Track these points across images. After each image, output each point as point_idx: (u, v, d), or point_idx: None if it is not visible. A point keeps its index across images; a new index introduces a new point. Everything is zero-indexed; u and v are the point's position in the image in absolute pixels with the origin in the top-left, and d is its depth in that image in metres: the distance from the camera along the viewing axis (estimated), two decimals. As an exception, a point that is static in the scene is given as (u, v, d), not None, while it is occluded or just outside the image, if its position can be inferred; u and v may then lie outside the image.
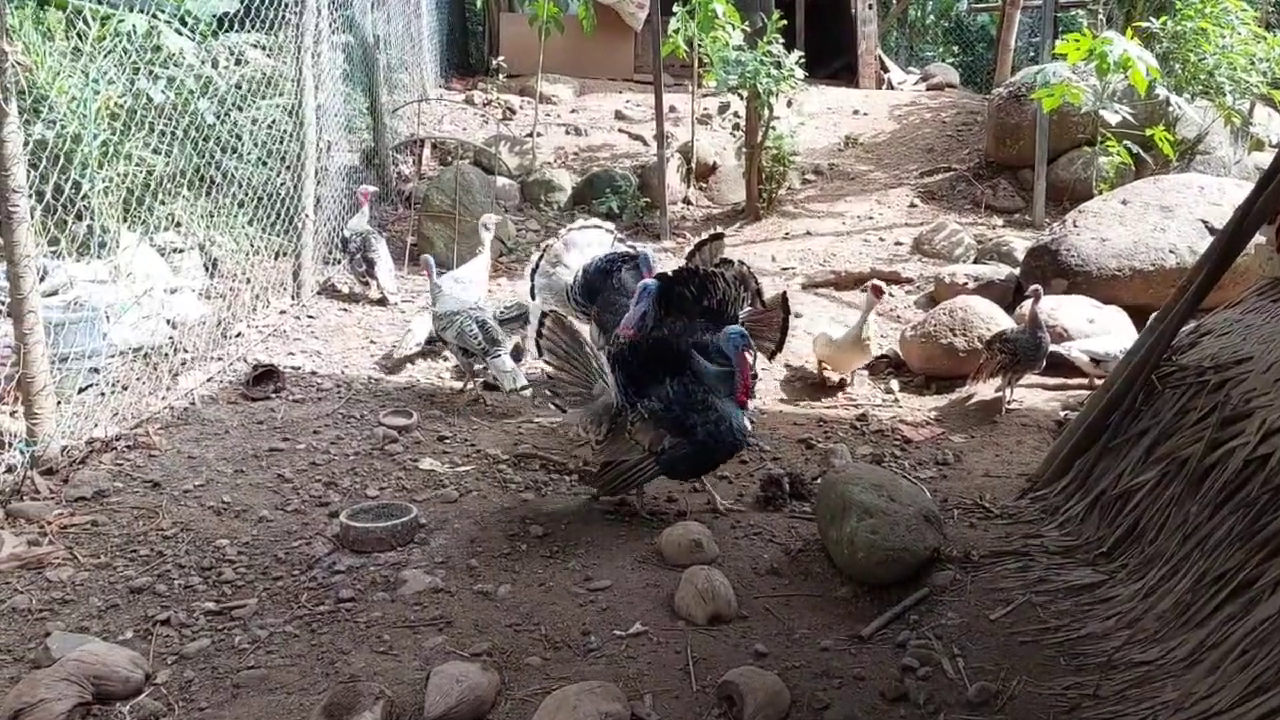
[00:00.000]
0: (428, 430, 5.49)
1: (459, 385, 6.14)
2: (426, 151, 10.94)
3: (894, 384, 6.26)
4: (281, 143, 7.51)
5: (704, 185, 10.54)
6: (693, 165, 10.36)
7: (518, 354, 6.48)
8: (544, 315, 4.39)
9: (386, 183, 9.92)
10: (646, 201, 9.84)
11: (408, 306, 7.88)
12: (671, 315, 4.86)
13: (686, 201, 10.33)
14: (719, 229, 6.49)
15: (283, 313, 7.39)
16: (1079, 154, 9.12)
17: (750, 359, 4.51)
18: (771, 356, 5.11)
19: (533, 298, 5.99)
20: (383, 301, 7.83)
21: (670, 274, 5.08)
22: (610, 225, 6.23)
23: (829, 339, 6.06)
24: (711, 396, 4.36)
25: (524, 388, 5.76)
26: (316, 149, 7.83)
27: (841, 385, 6.16)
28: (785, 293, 5.18)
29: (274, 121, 7.53)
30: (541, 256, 5.98)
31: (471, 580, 3.96)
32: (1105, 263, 6.79)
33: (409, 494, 4.70)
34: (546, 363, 4.46)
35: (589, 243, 5.92)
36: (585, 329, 5.54)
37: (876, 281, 6.30)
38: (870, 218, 9.34)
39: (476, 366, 5.91)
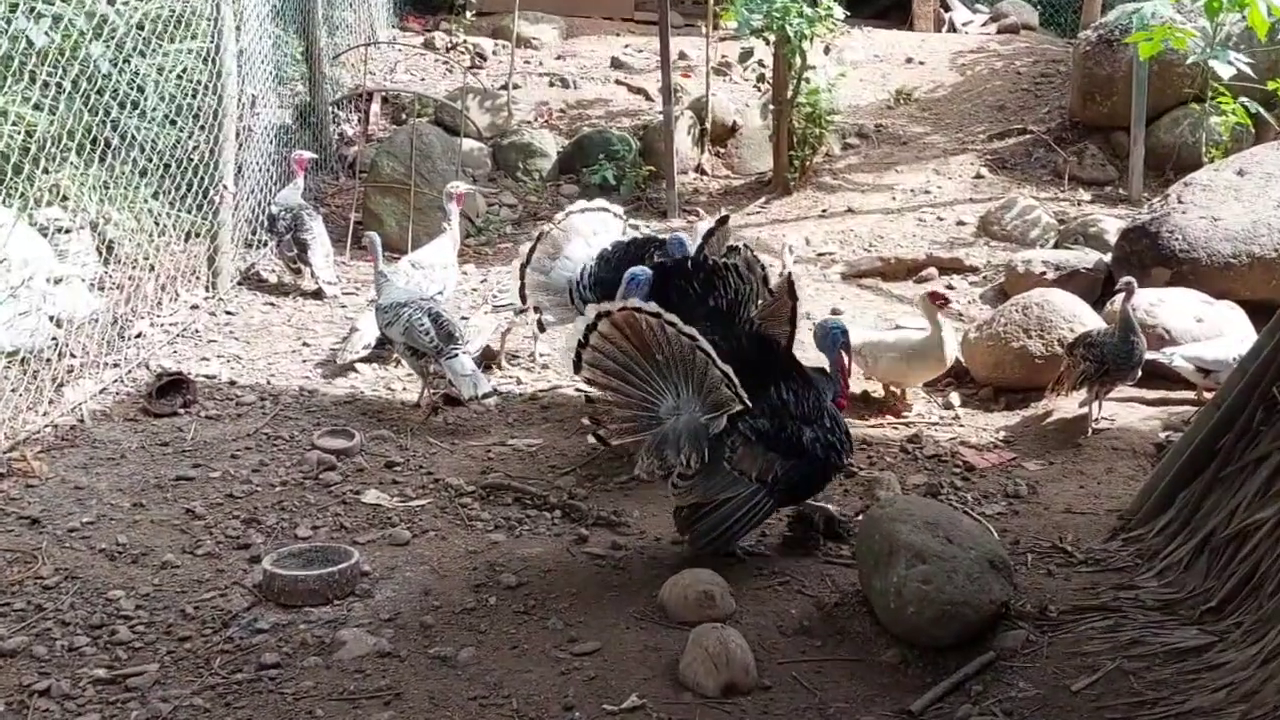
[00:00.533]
0: (373, 454, 5.48)
1: (414, 398, 6.16)
2: (376, 107, 10.97)
3: (954, 397, 6.26)
4: (195, 96, 7.54)
5: (721, 150, 10.56)
6: (707, 126, 10.39)
7: (489, 356, 6.50)
8: (601, 315, 4.25)
9: (325, 146, 9.96)
10: (650, 171, 9.87)
11: (351, 300, 7.90)
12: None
13: (700, 171, 10.35)
14: (724, 212, 6.44)
15: (194, 308, 7.41)
16: (1185, 113, 9.15)
17: (847, 360, 4.57)
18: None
19: (522, 299, 5.98)
20: (319, 294, 7.86)
21: (668, 262, 5.10)
22: (619, 209, 6.25)
23: (891, 349, 5.97)
24: (825, 400, 4.41)
25: (487, 395, 5.77)
26: (238, 104, 7.88)
27: (888, 399, 6.16)
28: (791, 275, 5.20)
29: (185, 70, 7.57)
30: (534, 247, 5.93)
31: (426, 642, 3.96)
32: (1217, 248, 6.81)
33: (349, 534, 4.71)
34: (588, 381, 4.34)
35: (594, 230, 5.91)
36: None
37: (936, 288, 6.30)
38: (926, 191, 9.36)
39: (431, 368, 5.93)
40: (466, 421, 5.96)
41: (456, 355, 5.83)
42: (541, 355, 6.81)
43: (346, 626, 4.01)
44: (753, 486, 4.32)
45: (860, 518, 4.61)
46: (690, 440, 4.27)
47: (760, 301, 5.01)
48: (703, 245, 5.33)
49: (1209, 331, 6.16)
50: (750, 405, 4.25)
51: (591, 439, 4.44)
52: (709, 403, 4.28)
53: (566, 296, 5.90)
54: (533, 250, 5.93)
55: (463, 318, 7.41)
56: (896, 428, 5.90)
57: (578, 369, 4.34)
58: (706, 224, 6.57)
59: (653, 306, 4.32)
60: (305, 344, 7.05)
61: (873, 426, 5.92)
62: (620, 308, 4.29)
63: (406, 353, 6.00)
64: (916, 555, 3.84)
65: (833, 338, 4.53)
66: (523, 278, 5.96)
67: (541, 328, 6.01)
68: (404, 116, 10.64)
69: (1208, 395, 5.36)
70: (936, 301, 5.98)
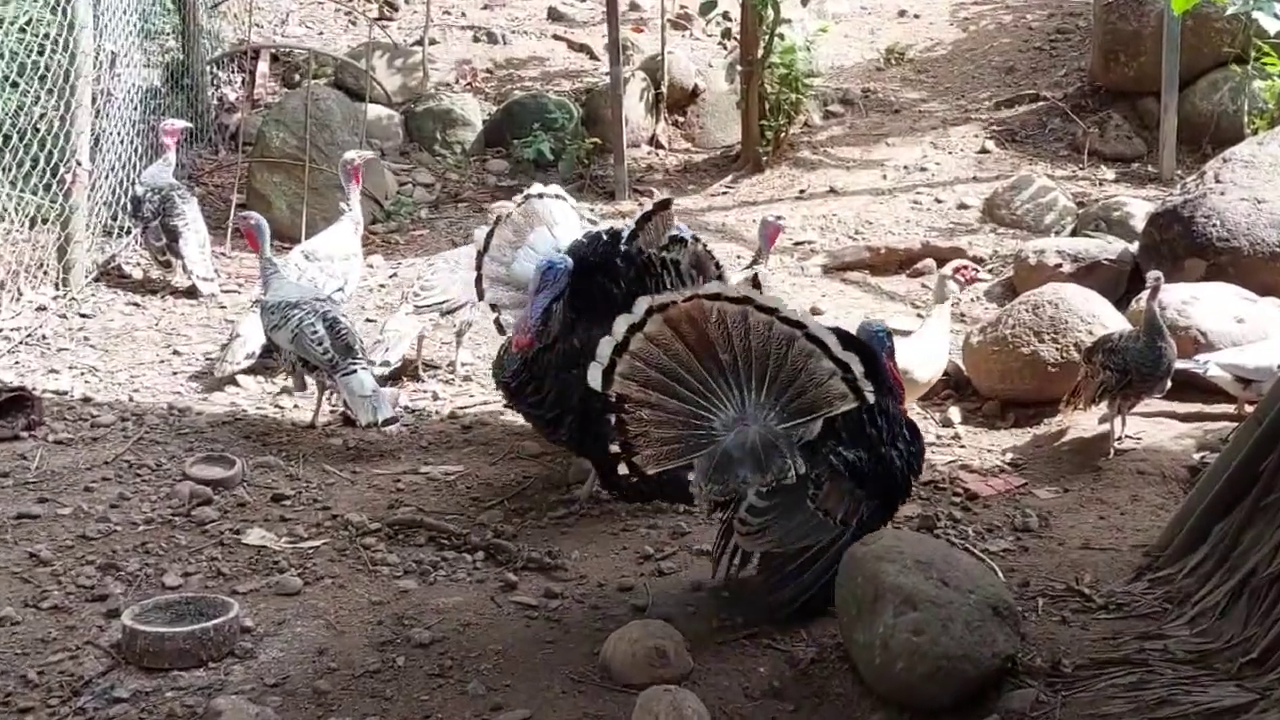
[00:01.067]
0: (258, 486, 5.46)
1: (308, 416, 6.13)
2: (263, 67, 10.91)
3: (954, 413, 6.33)
4: (41, 53, 7.46)
5: (680, 120, 10.62)
6: (663, 90, 10.44)
7: (402, 373, 6.47)
8: (655, 310, 4.23)
9: (201, 114, 9.91)
10: (594, 143, 9.90)
11: (232, 299, 7.87)
12: (588, 320, 4.95)
13: (655, 143, 10.40)
14: (667, 195, 6.51)
15: (41, 309, 7.34)
16: (1224, 76, 9.32)
17: (894, 367, 4.61)
18: None
19: (480, 296, 5.98)
20: (192, 292, 7.82)
21: (591, 254, 5.14)
22: (574, 203, 6.28)
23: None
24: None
25: (389, 422, 5.78)
26: (95, 63, 7.82)
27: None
28: (758, 275, 5.27)
29: (31, 21, 7.50)
30: (493, 232, 5.98)
31: (320, 712, 3.94)
32: (1262, 235, 6.92)
33: (227, 582, 4.68)
34: (618, 398, 4.27)
35: (556, 220, 5.98)
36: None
37: (964, 261, 6.35)
38: (923, 168, 9.46)
39: (327, 383, 5.93)
40: (371, 445, 5.93)
41: (355, 371, 5.82)
42: (464, 365, 6.81)
43: (223, 694, 3.97)
44: (836, 531, 4.28)
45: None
46: (769, 454, 4.21)
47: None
48: (635, 233, 5.34)
49: (1251, 334, 6.26)
50: (871, 400, 4.24)
51: (623, 468, 4.35)
52: (795, 407, 4.25)
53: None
54: (491, 236, 5.93)
55: (368, 320, 7.41)
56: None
57: (607, 383, 4.27)
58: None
59: (738, 290, 4.33)
60: (176, 352, 6.99)
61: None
62: (687, 297, 4.26)
63: (295, 364, 5.98)
64: (906, 601, 3.87)
65: (878, 341, 4.54)
66: (480, 268, 5.94)
67: (500, 329, 6.02)
68: (297, 78, 10.60)
69: (1249, 409, 5.44)
70: (964, 276, 6.04)
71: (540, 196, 6.06)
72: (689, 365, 4.26)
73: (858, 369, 4.21)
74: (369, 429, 5.79)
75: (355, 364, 5.84)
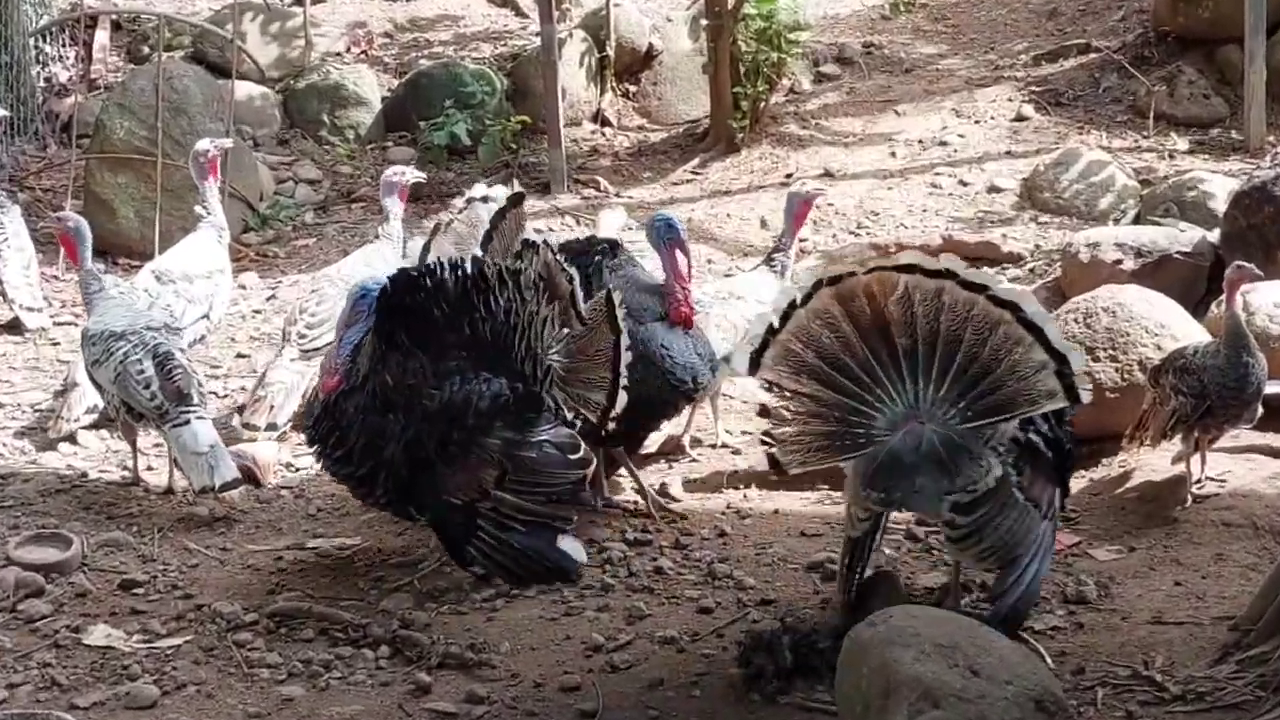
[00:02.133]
0: (102, 570, 5.48)
1: (164, 479, 6.16)
2: (102, 38, 10.93)
3: (988, 454, 6.37)
4: None
5: (632, 89, 10.70)
6: (610, 53, 10.52)
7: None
8: (824, 282, 4.54)
9: (24, 100, 9.92)
10: (522, 123, 9.96)
11: (67, 334, 7.86)
12: (402, 350, 5.21)
13: (601, 120, 10.47)
14: (517, 190, 6.64)
15: None
16: (1325, 17, 9.41)
17: (683, 259, 5.19)
18: (601, 424, 5.51)
19: None
20: (15, 326, 7.87)
21: (401, 276, 5.37)
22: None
23: None
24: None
25: (228, 487, 5.84)
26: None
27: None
28: (610, 292, 5.43)
29: None
30: (429, 247, 6.14)
31: None
32: (1373, 218, 7.01)
33: (64, 694, 4.66)
34: (768, 384, 4.66)
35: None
36: None
37: None
38: (942, 143, 9.54)
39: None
40: (246, 515, 5.97)
41: (187, 422, 5.88)
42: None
43: (52, 843, 3.96)
44: (1043, 523, 4.61)
45: (844, 641, 4.66)
46: (956, 458, 4.49)
47: (563, 329, 5.40)
48: (489, 234, 5.71)
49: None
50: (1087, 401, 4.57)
51: (775, 461, 4.67)
52: (984, 404, 4.48)
53: None
54: (427, 250, 6.08)
55: (240, 355, 7.43)
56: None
57: (754, 368, 4.57)
58: (612, 213, 6.71)
59: (938, 261, 4.55)
60: (-2, 403, 6.98)
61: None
62: (870, 268, 4.52)
63: (119, 410, 6.03)
64: (925, 696, 3.89)
65: (659, 233, 5.05)
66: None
67: None
68: (146, 50, 10.64)
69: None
70: None
71: (485, 200, 6.13)
72: (855, 350, 4.54)
73: (1076, 363, 4.48)
74: (204, 495, 5.85)
75: (189, 412, 5.89)
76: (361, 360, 5.31)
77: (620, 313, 5.47)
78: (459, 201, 6.25)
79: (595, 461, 5.56)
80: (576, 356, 5.44)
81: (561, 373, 5.43)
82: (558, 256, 5.47)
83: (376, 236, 7.26)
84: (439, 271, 5.31)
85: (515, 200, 5.88)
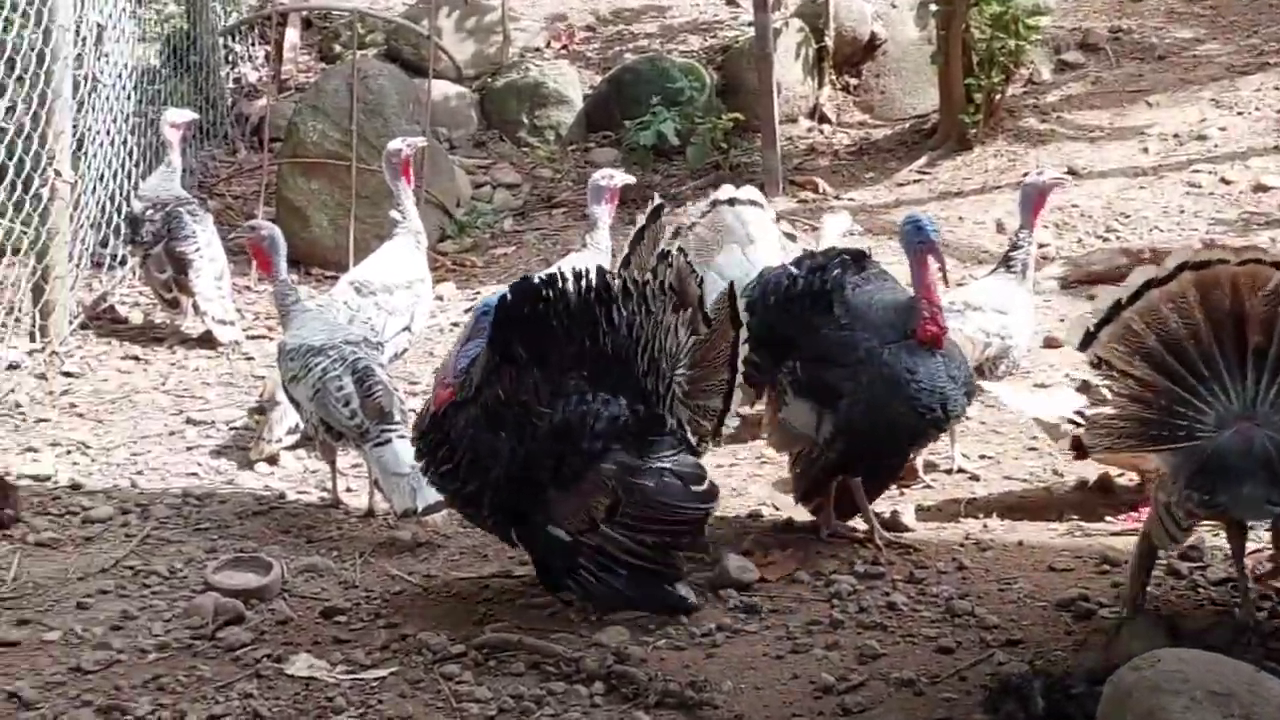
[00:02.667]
0: (303, 597, 5.58)
1: (365, 501, 6.28)
2: (292, 36, 11.19)
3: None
4: (5, 29, 7.73)
5: (853, 82, 10.67)
6: (828, 43, 10.50)
7: None
8: (1185, 267, 4.67)
9: (214, 102, 10.19)
10: (734, 121, 9.97)
11: (260, 348, 8.07)
12: (518, 363, 5.24)
13: (818, 116, 10.45)
14: (658, 202, 6.58)
15: (13, 367, 7.59)
16: None
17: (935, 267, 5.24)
18: (715, 431, 5.52)
19: None
20: (208, 339, 8.07)
21: (522, 285, 5.37)
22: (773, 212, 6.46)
23: None
24: None
25: (431, 510, 5.91)
26: (76, 39, 8.10)
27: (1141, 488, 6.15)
28: (733, 287, 5.44)
29: (-11, -12, 7.77)
30: (639, 242, 6.10)
31: None
32: None
33: (266, 731, 4.78)
34: (1096, 360, 4.75)
35: (752, 236, 6.14)
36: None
37: None
38: (1201, 137, 9.36)
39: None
40: (450, 540, 6.04)
41: (389, 441, 5.99)
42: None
43: None
44: None
45: (1103, 687, 4.58)
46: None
47: (690, 337, 5.39)
48: (628, 257, 5.75)
49: None
50: None
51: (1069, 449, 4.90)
52: None
53: None
54: (638, 244, 6.07)
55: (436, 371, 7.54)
56: (1158, 534, 5.86)
57: (1087, 343, 4.74)
58: (835, 217, 6.68)
59: None
60: (190, 421, 7.17)
61: (1116, 534, 5.89)
62: (1243, 259, 4.62)
63: (319, 429, 6.16)
64: (1195, 747, 3.82)
65: (906, 235, 5.08)
66: None
67: None
68: (337, 49, 10.87)
69: None
70: None
71: (731, 204, 6.15)
72: (1201, 340, 4.64)
73: None
74: (406, 518, 5.95)
75: (390, 431, 6.01)
76: (475, 372, 5.34)
77: (741, 303, 5.45)
78: (702, 204, 6.25)
79: (719, 495, 5.50)
80: (700, 364, 5.42)
81: (686, 386, 5.42)
82: (688, 261, 5.46)
83: (583, 245, 7.29)
84: (562, 281, 5.30)
85: (655, 214, 5.82)
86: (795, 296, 5.77)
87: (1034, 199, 6.68)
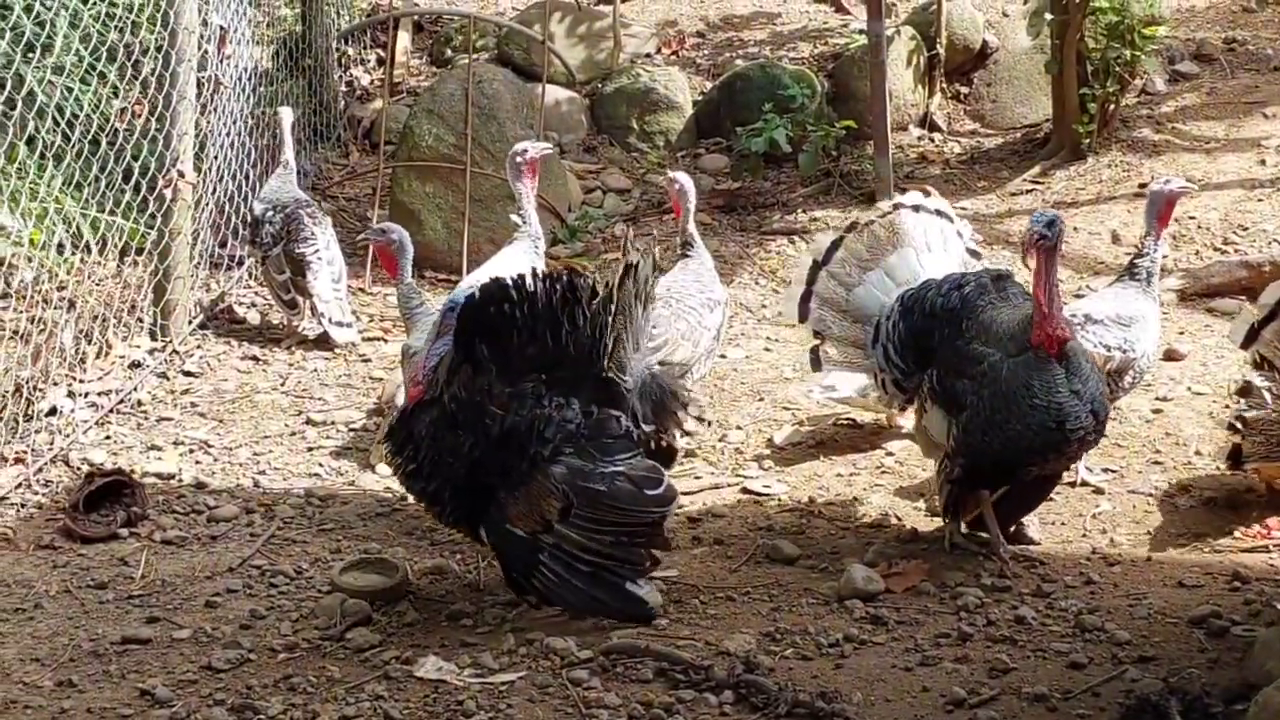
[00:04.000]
0: (429, 599, 5.60)
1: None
2: (404, 41, 11.25)
3: None
4: (130, 32, 7.84)
5: (964, 90, 10.60)
6: (940, 52, 10.44)
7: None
8: None
9: (327, 105, 10.26)
10: (846, 128, 9.94)
11: (376, 350, 8.12)
12: (477, 364, 5.29)
13: (929, 125, 10.40)
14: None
15: (135, 366, 7.67)
16: None
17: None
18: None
19: (801, 318, 6.28)
20: (325, 341, 8.11)
21: (491, 286, 5.40)
22: (960, 225, 6.40)
23: None
24: None
25: None
26: (198, 42, 8.18)
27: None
28: (633, 268, 5.37)
29: (115, -7, 7.87)
30: (838, 245, 6.19)
31: None
32: None
33: (396, 732, 4.82)
34: (1258, 359, 4.92)
35: (930, 244, 6.13)
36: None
37: None
38: (1318, 149, 9.28)
39: None
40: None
41: None
42: (685, 437, 6.88)
43: None
44: None
45: (1239, 706, 4.55)
46: None
47: (648, 350, 5.57)
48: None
49: None
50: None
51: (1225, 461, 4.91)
52: None
53: (869, 333, 6.04)
54: (835, 247, 6.13)
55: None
56: (1289, 551, 5.86)
57: (1250, 341, 4.83)
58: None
59: None
60: (310, 421, 7.24)
61: (1246, 550, 5.86)
62: None
63: None
64: (1342, 770, 3.79)
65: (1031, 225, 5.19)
66: (811, 283, 6.17)
67: (816, 364, 6.28)
68: (448, 54, 10.92)
69: None
70: None
71: (916, 209, 6.15)
72: None
73: None
74: None
75: None
76: (441, 371, 5.41)
77: (897, 309, 5.66)
78: (883, 204, 6.24)
79: (676, 499, 5.46)
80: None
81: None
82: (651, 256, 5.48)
83: (516, 228, 7.21)
84: (530, 283, 5.32)
85: (626, 272, 5.43)
86: (935, 311, 5.78)
87: (1161, 206, 6.56)
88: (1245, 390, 5.02)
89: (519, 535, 5.32)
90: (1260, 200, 8.81)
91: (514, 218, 7.29)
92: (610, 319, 5.32)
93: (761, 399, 7.45)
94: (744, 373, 7.75)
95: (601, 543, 5.31)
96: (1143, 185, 9.13)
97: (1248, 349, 4.81)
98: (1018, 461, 5.65)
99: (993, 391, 5.52)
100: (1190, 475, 6.40)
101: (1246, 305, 5.13)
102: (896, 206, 6.19)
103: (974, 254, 6.30)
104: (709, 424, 7.02)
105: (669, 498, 5.39)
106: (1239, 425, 4.80)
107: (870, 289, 6.03)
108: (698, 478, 6.69)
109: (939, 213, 6.23)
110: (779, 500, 6.48)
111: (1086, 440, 5.58)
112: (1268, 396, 4.77)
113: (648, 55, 10.96)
